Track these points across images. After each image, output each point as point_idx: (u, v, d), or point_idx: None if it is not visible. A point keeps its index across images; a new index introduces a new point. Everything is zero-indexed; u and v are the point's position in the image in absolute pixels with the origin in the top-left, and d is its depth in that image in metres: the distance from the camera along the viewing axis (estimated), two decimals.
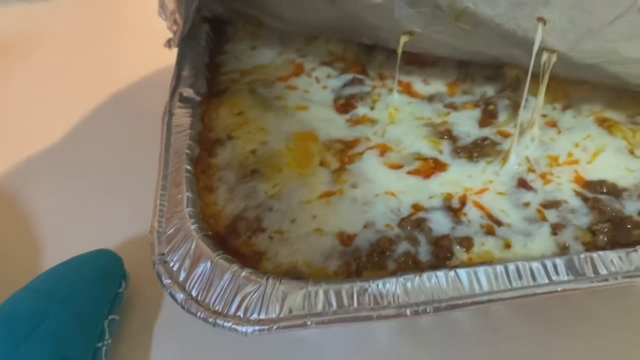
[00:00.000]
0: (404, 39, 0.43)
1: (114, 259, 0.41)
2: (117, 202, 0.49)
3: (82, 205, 0.49)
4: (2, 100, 0.63)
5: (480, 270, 0.30)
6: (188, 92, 0.46)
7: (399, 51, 0.44)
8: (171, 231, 0.35)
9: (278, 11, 0.51)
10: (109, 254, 0.41)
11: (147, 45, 0.63)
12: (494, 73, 0.47)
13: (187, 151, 0.40)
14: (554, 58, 0.38)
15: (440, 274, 0.30)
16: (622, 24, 0.34)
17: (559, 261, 0.30)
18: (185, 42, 0.52)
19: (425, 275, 0.30)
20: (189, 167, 0.39)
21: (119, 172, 0.51)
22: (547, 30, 0.36)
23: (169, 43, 0.50)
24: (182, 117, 0.43)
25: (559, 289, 0.29)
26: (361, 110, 0.46)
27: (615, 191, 0.36)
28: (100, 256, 0.41)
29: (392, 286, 0.30)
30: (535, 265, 0.30)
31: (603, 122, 0.41)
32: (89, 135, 0.57)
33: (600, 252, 0.30)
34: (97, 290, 0.38)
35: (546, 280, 0.30)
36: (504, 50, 0.41)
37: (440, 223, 0.35)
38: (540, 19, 0.36)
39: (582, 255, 0.30)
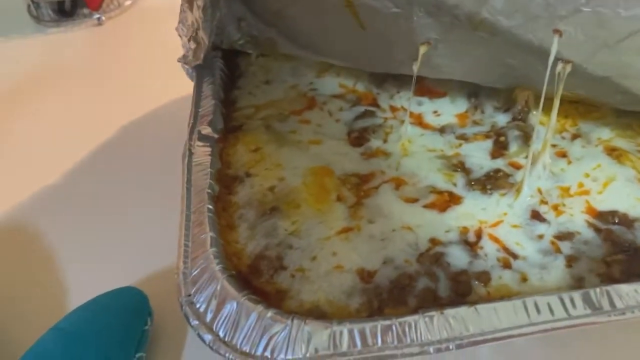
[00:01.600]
0: (422, 50, 0.44)
1: (139, 296, 0.42)
2: (138, 237, 0.50)
3: (103, 241, 0.50)
4: (24, 135, 0.64)
5: (500, 305, 0.31)
6: (206, 129, 0.47)
7: (416, 68, 0.44)
8: (196, 272, 0.36)
9: (296, 28, 0.51)
10: (134, 291, 0.42)
11: (164, 76, 0.65)
12: (504, 102, 0.48)
13: (209, 190, 0.41)
14: (568, 68, 0.39)
15: (461, 310, 0.31)
16: (638, 40, 0.35)
17: (576, 295, 0.31)
18: (200, 78, 0.54)
19: (446, 312, 0.31)
20: (210, 207, 0.40)
21: (138, 206, 0.53)
22: (563, 42, 0.37)
23: (184, 60, 0.52)
24: (202, 155, 0.44)
25: (577, 323, 0.30)
26: (374, 143, 0.47)
27: (626, 221, 0.37)
28: (126, 294, 0.42)
29: (414, 324, 0.31)
30: (553, 299, 0.31)
31: (612, 152, 0.42)
32: (108, 169, 0.58)
33: (616, 285, 0.31)
34: (125, 329, 0.39)
35: (564, 315, 0.31)
36: (521, 57, 0.42)
37: (457, 257, 0.36)
38: (557, 31, 0.37)
39: (598, 289, 0.31)
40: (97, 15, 0.89)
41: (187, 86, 0.58)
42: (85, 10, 0.91)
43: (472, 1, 0.37)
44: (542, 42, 0.38)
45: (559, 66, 0.38)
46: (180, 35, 0.51)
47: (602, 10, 0.34)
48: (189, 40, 0.50)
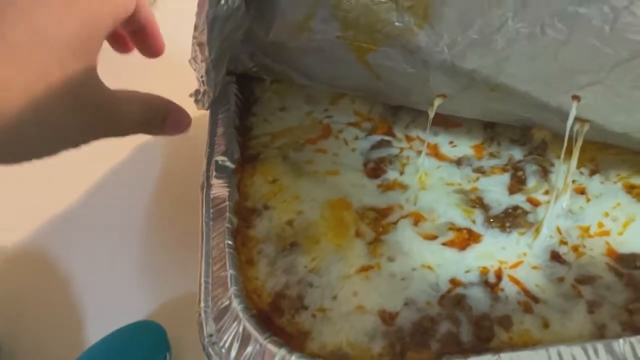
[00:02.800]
0: (437, 102, 0.44)
1: (158, 330, 0.42)
2: (152, 266, 0.50)
3: (118, 271, 0.50)
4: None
5: (524, 355, 0.31)
6: (223, 159, 0.47)
7: (431, 115, 0.45)
8: (218, 311, 0.36)
9: (310, 69, 0.51)
10: (153, 326, 0.42)
11: (181, 88, 0.64)
12: (520, 136, 0.48)
13: (228, 225, 0.41)
14: (586, 127, 0.39)
15: (485, 358, 0.31)
16: None
17: (600, 345, 0.31)
18: (214, 105, 0.54)
19: None
20: (230, 242, 0.40)
21: (152, 234, 0.53)
22: (581, 105, 0.37)
23: (195, 97, 0.52)
24: (220, 187, 0.44)
25: None
26: (391, 175, 0.47)
27: None
28: (145, 328, 0.42)
29: None
30: (577, 350, 0.31)
31: (631, 190, 0.42)
32: (121, 190, 0.58)
33: None
34: None
35: None
36: (537, 113, 0.43)
37: (479, 300, 0.36)
38: (575, 97, 0.37)
39: (622, 340, 0.31)
40: None
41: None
42: None
43: (490, 68, 0.37)
44: (560, 105, 0.38)
45: (577, 125, 0.38)
46: (193, 69, 0.51)
47: (619, 85, 0.34)
48: (201, 82, 0.50)
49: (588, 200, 0.42)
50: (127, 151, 0.63)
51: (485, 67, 0.37)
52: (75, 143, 0.29)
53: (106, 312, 0.45)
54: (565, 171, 0.41)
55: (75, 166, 0.62)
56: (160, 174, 0.59)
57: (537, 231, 0.40)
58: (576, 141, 0.39)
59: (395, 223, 0.43)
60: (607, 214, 0.41)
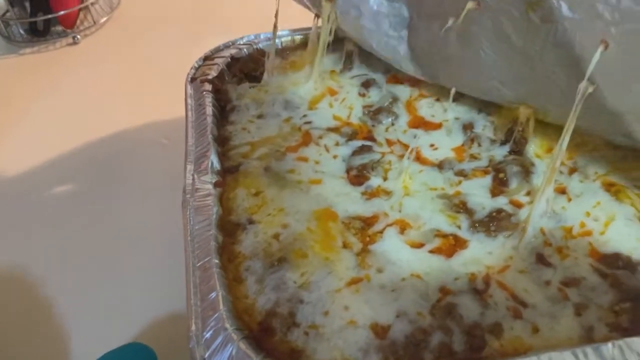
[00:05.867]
0: (470, 5, 0.43)
1: (147, 352, 0.41)
2: (136, 286, 0.49)
3: (103, 292, 0.49)
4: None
5: None
6: (204, 173, 0.46)
7: (458, 21, 0.44)
8: (209, 334, 0.36)
9: None
10: (142, 349, 0.41)
11: (145, 95, 0.62)
12: (500, 136, 0.49)
13: (213, 242, 0.41)
14: (590, 89, 0.37)
15: None
16: None
17: (589, 350, 0.32)
18: (190, 114, 0.53)
19: None
20: (217, 261, 0.40)
21: (134, 253, 0.52)
22: (604, 58, 0.36)
23: None
24: (202, 202, 0.44)
25: None
26: (374, 181, 0.47)
27: (630, 265, 0.38)
28: (134, 352, 0.41)
29: None
30: (568, 355, 0.32)
31: (610, 188, 0.43)
32: (96, 206, 0.57)
33: (628, 339, 0.32)
34: None
35: None
36: (549, 65, 0.41)
37: (469, 308, 0.37)
38: (604, 42, 0.35)
39: (610, 344, 0.32)
40: (73, 34, 0.87)
41: (169, 106, 0.57)
42: (59, 28, 0.89)
43: None
44: (582, 50, 0.37)
45: (582, 84, 0.37)
46: None
47: None
48: None
49: (569, 200, 0.43)
50: (106, 164, 0.61)
51: None
52: None
53: (92, 335, 0.44)
54: (549, 163, 0.41)
55: (58, 186, 0.61)
56: (139, 187, 0.58)
57: (524, 230, 0.40)
58: (576, 106, 0.38)
59: (381, 232, 0.43)
60: (588, 214, 0.41)
